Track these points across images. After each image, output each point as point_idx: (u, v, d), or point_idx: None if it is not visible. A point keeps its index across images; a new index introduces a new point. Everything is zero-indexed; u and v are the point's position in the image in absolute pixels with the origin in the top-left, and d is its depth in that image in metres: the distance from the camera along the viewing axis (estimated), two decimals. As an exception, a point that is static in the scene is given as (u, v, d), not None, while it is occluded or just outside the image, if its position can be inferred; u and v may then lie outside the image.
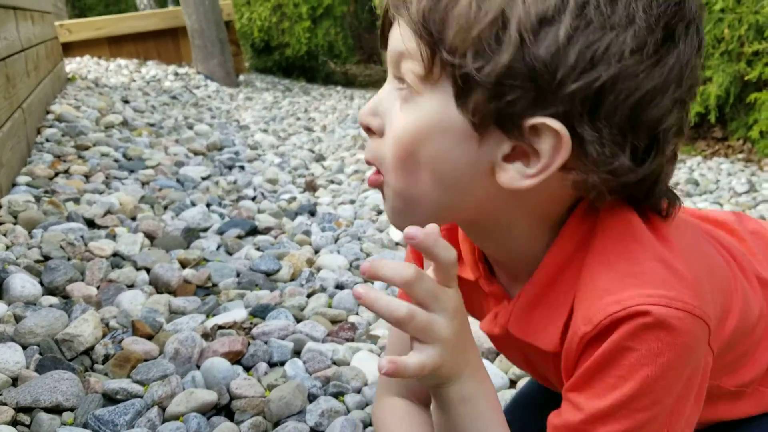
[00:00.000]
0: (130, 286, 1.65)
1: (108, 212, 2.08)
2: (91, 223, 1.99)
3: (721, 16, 3.81)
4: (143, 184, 2.49)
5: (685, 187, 3.30)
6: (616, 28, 0.57)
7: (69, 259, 1.70)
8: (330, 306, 1.68)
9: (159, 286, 1.67)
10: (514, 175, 0.62)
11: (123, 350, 1.33)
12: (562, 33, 0.56)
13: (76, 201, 2.11)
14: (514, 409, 1.07)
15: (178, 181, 2.60)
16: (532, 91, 0.58)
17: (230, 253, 1.95)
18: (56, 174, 2.41)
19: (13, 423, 1.10)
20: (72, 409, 1.16)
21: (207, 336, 1.44)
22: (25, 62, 2.93)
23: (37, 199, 2.06)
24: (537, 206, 0.66)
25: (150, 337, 1.42)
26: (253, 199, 2.54)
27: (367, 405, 1.29)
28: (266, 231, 2.16)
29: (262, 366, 1.36)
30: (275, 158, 3.36)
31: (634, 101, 0.58)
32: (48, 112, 3.20)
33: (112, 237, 1.89)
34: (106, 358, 1.33)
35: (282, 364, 1.39)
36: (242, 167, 3.00)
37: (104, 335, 1.39)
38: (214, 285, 1.75)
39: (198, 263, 1.83)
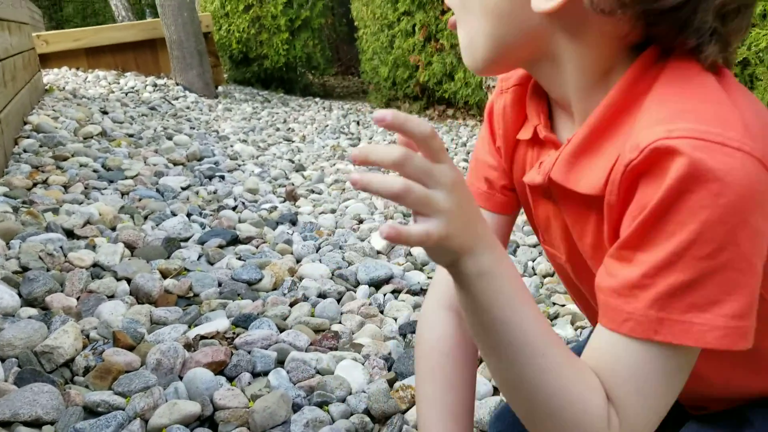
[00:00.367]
0: (111, 297, 1.63)
1: (87, 222, 2.06)
2: (70, 234, 1.97)
3: None
4: (123, 194, 2.47)
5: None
6: None
7: (48, 270, 1.68)
8: (313, 315, 1.67)
9: (140, 297, 1.65)
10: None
11: (104, 362, 1.32)
12: None
13: (55, 211, 2.09)
14: (501, 415, 1.06)
15: (158, 191, 2.58)
16: None
17: (211, 263, 1.94)
18: (34, 184, 2.38)
19: (-8, 436, 1.08)
20: (52, 423, 1.14)
21: (189, 346, 1.43)
22: (2, 72, 2.90)
23: (15, 209, 2.04)
24: (586, 39, 0.66)
25: (131, 348, 1.40)
26: (234, 208, 2.53)
27: (352, 414, 1.28)
28: (247, 240, 2.15)
29: (246, 376, 1.35)
30: (255, 168, 3.35)
31: None
32: (25, 123, 3.17)
33: (92, 247, 1.87)
34: (87, 369, 1.31)
35: (265, 374, 1.38)
36: (222, 177, 2.99)
37: (85, 347, 1.37)
38: (196, 295, 1.73)
39: (179, 273, 1.82)
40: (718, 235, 0.56)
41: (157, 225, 2.17)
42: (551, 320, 1.79)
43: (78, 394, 1.21)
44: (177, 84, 5.62)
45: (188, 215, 2.32)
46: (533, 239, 2.42)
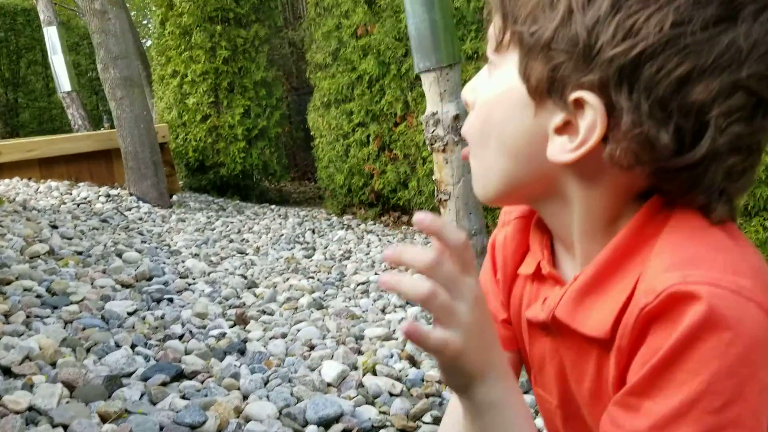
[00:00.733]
0: (45, 447, 1.56)
1: (26, 358, 1.99)
2: (7, 371, 1.90)
3: None
4: (66, 323, 2.41)
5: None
6: (659, 1, 0.58)
7: (-21, 419, 1.60)
8: (257, 462, 1.62)
9: (76, 446, 1.59)
10: (557, 148, 0.65)
11: None
12: (606, 4, 0.59)
13: (-7, 347, 2.02)
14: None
15: (103, 318, 2.52)
16: (576, 58, 0.61)
17: (154, 403, 1.87)
18: (-27, 315, 2.31)
19: None
20: None
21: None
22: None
23: (-50, 347, 1.97)
24: (598, 188, 0.67)
25: None
26: (181, 337, 2.48)
27: None
28: (193, 375, 2.09)
29: None
30: (206, 287, 3.31)
31: (677, 77, 0.58)
32: (-31, 244, 3.11)
33: (29, 387, 1.80)
34: None
35: None
36: (171, 300, 2.94)
37: None
38: (136, 441, 1.67)
39: (119, 416, 1.76)
40: (728, 387, 0.56)
41: (99, 359, 2.11)
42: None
43: None
44: (131, 194, 5.60)
45: (133, 346, 2.26)
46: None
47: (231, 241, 4.86)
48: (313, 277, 3.86)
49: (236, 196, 7.61)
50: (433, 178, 2.92)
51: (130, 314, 2.63)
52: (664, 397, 0.58)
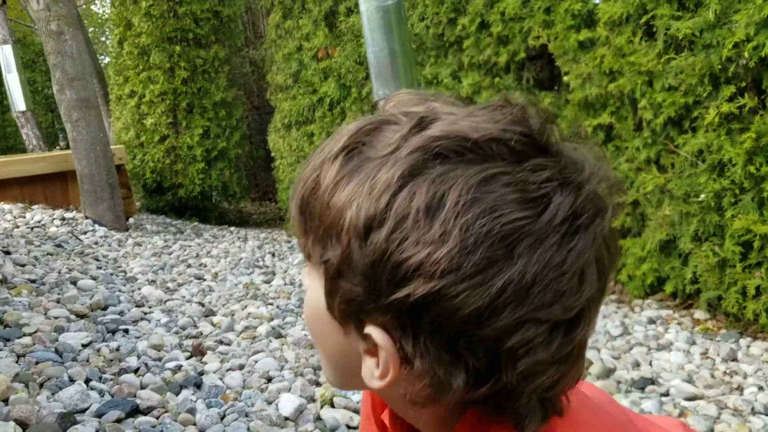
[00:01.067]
0: (-5, 492, 1.53)
1: (-24, 396, 1.96)
2: (-44, 411, 1.86)
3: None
4: (18, 356, 2.37)
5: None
6: (429, 245, 0.56)
7: (-74, 463, 1.57)
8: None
9: (27, 490, 1.56)
10: (368, 372, 0.64)
11: None
12: (381, 244, 0.57)
13: (-59, 385, 1.98)
14: None
15: (56, 350, 2.48)
16: (365, 293, 0.59)
17: (108, 442, 1.86)
18: None
19: None
20: None
21: None
22: None
23: None
24: (416, 401, 0.65)
25: None
26: (136, 371, 2.45)
27: None
28: (148, 411, 2.07)
29: None
30: (162, 316, 3.27)
31: (458, 321, 0.56)
32: None
33: (-21, 427, 1.77)
34: None
35: None
36: (126, 330, 2.90)
37: None
38: (89, 482, 1.65)
39: (72, 456, 1.74)
40: None
41: (53, 394, 2.08)
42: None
43: None
44: (86, 218, 5.52)
45: (87, 381, 2.23)
46: None
47: (189, 266, 4.82)
48: (272, 304, 3.84)
49: (195, 217, 7.55)
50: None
51: (84, 346, 2.60)
52: None
